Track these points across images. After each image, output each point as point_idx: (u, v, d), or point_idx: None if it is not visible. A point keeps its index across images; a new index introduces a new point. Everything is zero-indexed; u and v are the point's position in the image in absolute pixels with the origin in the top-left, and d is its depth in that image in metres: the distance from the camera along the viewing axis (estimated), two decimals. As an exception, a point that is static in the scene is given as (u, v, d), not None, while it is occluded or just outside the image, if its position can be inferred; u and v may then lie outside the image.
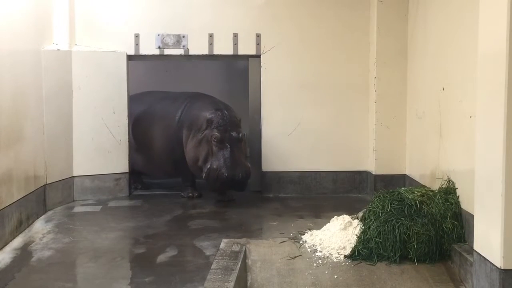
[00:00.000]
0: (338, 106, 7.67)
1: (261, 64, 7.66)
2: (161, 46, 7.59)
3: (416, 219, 5.06)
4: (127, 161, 7.63)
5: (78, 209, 6.97)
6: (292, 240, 5.49)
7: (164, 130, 7.50)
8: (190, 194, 7.44)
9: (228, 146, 6.75)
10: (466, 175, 4.96)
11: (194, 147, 6.99)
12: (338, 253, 5.13)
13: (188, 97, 7.58)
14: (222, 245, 5.30)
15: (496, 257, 3.98)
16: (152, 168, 7.92)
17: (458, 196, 5.25)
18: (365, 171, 7.68)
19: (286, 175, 7.65)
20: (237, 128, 6.96)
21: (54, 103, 6.88)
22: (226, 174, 6.65)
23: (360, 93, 7.63)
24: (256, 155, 7.73)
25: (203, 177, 6.85)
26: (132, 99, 7.83)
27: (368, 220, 5.21)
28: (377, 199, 5.33)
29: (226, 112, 6.98)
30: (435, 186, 5.68)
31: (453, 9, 5.54)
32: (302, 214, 6.55)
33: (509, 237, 3.89)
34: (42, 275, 4.79)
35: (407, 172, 7.27)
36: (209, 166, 6.75)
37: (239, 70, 9.15)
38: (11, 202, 5.58)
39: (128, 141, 7.61)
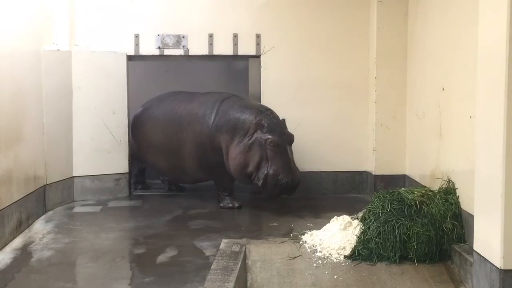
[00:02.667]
0: (338, 106, 7.67)
1: (261, 65, 7.66)
2: (161, 47, 7.59)
3: (416, 220, 5.06)
4: (127, 162, 7.63)
5: (78, 209, 6.97)
6: (292, 240, 5.49)
7: (194, 135, 6.96)
8: (231, 205, 6.91)
9: (284, 149, 6.48)
10: (466, 175, 4.96)
11: (242, 152, 6.49)
12: (338, 253, 5.13)
13: (219, 100, 7.00)
14: (222, 245, 5.30)
15: (496, 257, 3.98)
16: (179, 174, 7.44)
17: (458, 197, 5.25)
18: (365, 171, 7.68)
19: (286, 175, 7.63)
20: (286, 130, 6.67)
21: (54, 104, 6.87)
22: (287, 179, 6.36)
23: (360, 93, 7.64)
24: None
25: (260, 184, 6.42)
26: (152, 101, 7.75)
27: (368, 220, 5.21)
28: (377, 199, 5.33)
29: (272, 114, 6.68)
30: (435, 187, 5.68)
31: (453, 9, 5.54)
32: (302, 214, 6.55)
33: (509, 237, 3.89)
34: (42, 275, 4.79)
35: (407, 173, 7.26)
36: (266, 172, 6.35)
37: (239, 70, 9.15)
38: (11, 203, 5.58)
39: (128, 142, 7.62)
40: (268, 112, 6.66)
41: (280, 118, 6.72)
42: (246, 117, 6.61)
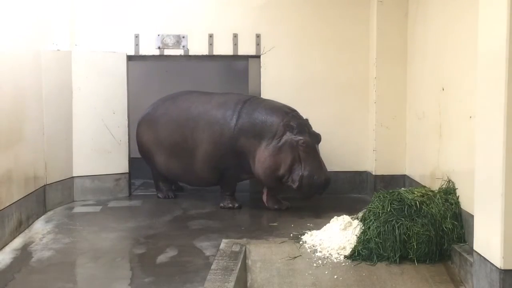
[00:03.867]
0: (338, 106, 7.67)
1: (261, 65, 7.66)
2: (161, 47, 7.59)
3: (416, 220, 5.06)
4: (127, 162, 7.63)
5: (78, 209, 6.97)
6: (292, 240, 5.49)
7: (213, 136, 6.80)
8: (231, 205, 6.90)
9: (314, 149, 6.47)
10: (466, 175, 4.96)
11: (272, 155, 6.40)
12: (338, 253, 5.14)
13: (240, 102, 6.85)
14: (222, 246, 5.30)
15: (496, 257, 3.98)
16: (190, 176, 7.20)
17: (458, 197, 5.25)
18: (365, 171, 7.68)
19: (286, 175, 7.63)
20: (312, 129, 6.62)
21: (54, 104, 6.87)
22: (321, 179, 6.35)
23: (360, 94, 7.64)
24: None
25: (295, 186, 6.37)
26: (162, 101, 7.53)
27: (368, 220, 5.21)
28: (377, 200, 5.34)
29: (298, 114, 6.64)
30: (435, 187, 5.68)
31: (453, 9, 5.54)
32: (302, 214, 6.55)
33: (509, 237, 3.89)
34: (42, 275, 4.79)
35: (407, 173, 7.26)
36: (301, 173, 6.31)
37: (239, 70, 9.15)
38: (11, 203, 5.58)
39: (128, 142, 7.63)
40: (294, 113, 6.63)
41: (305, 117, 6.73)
42: (274, 120, 6.53)
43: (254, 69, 7.73)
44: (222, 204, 6.96)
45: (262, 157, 6.48)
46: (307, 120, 6.67)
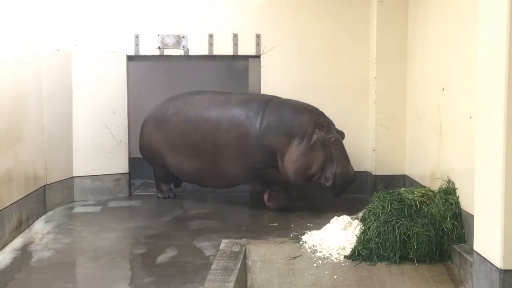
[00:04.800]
0: (338, 106, 7.65)
1: (261, 65, 7.66)
2: (161, 47, 7.59)
3: (416, 220, 5.06)
4: (127, 162, 7.63)
5: (78, 209, 6.97)
6: (292, 240, 5.49)
7: (238, 137, 6.69)
8: (277, 207, 6.78)
9: (343, 146, 6.56)
10: (466, 176, 4.96)
11: (305, 154, 6.39)
12: (338, 253, 5.14)
13: (262, 102, 6.81)
14: (222, 246, 5.30)
15: (496, 258, 3.97)
16: (209, 177, 7.06)
17: (458, 197, 5.25)
18: (365, 171, 7.68)
19: (286, 175, 7.63)
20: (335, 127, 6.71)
21: (54, 104, 6.87)
22: (353, 176, 6.50)
23: (360, 94, 7.64)
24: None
25: (329, 184, 6.39)
26: (172, 101, 7.34)
27: (368, 220, 5.21)
28: (377, 200, 5.34)
29: (323, 113, 6.67)
30: (435, 187, 5.68)
31: (453, 9, 5.54)
32: (302, 214, 6.55)
33: (509, 237, 3.89)
34: (42, 275, 4.79)
35: (407, 173, 7.26)
36: (334, 171, 6.36)
37: (239, 70, 9.15)
38: (11, 203, 5.58)
39: (128, 142, 7.63)
40: (319, 111, 6.68)
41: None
42: (303, 118, 6.54)
43: (254, 69, 7.73)
44: (269, 204, 6.83)
45: (294, 155, 6.46)
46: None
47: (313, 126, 6.45)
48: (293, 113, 6.62)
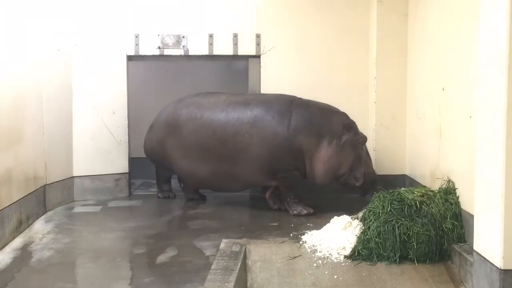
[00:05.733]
0: (338, 106, 7.61)
1: (261, 65, 7.66)
2: (161, 47, 7.59)
3: (416, 219, 5.06)
4: (127, 162, 7.63)
5: (78, 209, 6.97)
6: (292, 240, 5.49)
7: (264, 138, 6.53)
8: (305, 212, 6.58)
9: (366, 147, 6.69)
10: (466, 175, 4.96)
11: (335, 154, 6.44)
12: (338, 253, 5.14)
13: (287, 103, 6.70)
14: (222, 245, 5.30)
15: (496, 257, 3.98)
16: (225, 180, 6.86)
17: (458, 196, 5.25)
18: (365, 171, 7.67)
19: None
20: None
21: (54, 104, 6.87)
22: (377, 176, 6.71)
23: (360, 94, 7.63)
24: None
25: (359, 184, 6.50)
26: (177, 104, 7.09)
27: (368, 220, 5.21)
28: (377, 199, 5.34)
29: (346, 113, 6.75)
30: (435, 186, 5.68)
31: (453, 9, 5.54)
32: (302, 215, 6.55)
33: (509, 237, 3.89)
34: (42, 275, 4.79)
35: (407, 172, 7.27)
36: (363, 171, 6.51)
37: (239, 70, 9.15)
38: (11, 203, 5.58)
39: (128, 142, 7.62)
40: (343, 112, 6.74)
41: None
42: (332, 120, 6.59)
43: (254, 69, 7.73)
44: (295, 212, 6.61)
45: (325, 156, 6.48)
46: None
47: (343, 127, 6.53)
48: (321, 114, 6.65)
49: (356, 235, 5.21)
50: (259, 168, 6.64)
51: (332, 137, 6.49)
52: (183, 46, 7.61)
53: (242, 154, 6.62)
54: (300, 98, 6.88)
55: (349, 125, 6.55)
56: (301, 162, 6.57)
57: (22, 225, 5.89)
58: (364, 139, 6.60)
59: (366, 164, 6.59)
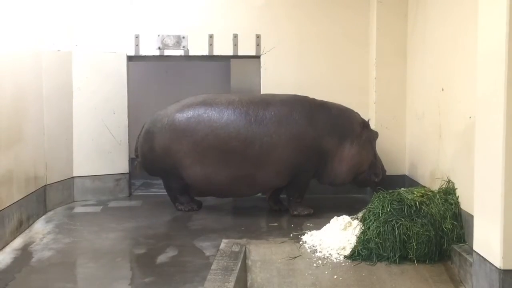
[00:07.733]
0: (338, 106, 7.67)
1: (261, 65, 7.66)
2: (161, 47, 7.60)
3: (415, 220, 5.07)
4: (127, 162, 7.64)
5: (78, 209, 6.98)
6: (292, 240, 5.50)
7: (291, 140, 6.39)
8: (306, 212, 6.57)
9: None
10: (466, 176, 4.96)
11: (359, 152, 6.58)
12: (338, 253, 5.14)
13: (304, 102, 6.65)
14: (222, 246, 5.31)
15: (496, 258, 3.98)
16: (243, 184, 6.59)
17: (458, 197, 5.25)
18: (365, 171, 7.68)
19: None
20: None
21: (54, 104, 6.88)
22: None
23: (360, 94, 7.64)
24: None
25: (377, 179, 6.66)
26: (181, 107, 6.63)
27: (368, 220, 5.21)
28: (377, 200, 5.34)
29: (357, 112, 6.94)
30: (435, 187, 5.69)
31: (452, 9, 5.54)
32: (302, 215, 6.55)
33: (508, 237, 3.90)
34: (42, 275, 4.79)
35: (406, 173, 7.27)
36: (380, 166, 6.81)
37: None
38: (12, 203, 5.59)
39: (128, 142, 7.63)
40: (354, 111, 6.88)
41: None
42: (351, 119, 6.70)
43: (254, 69, 7.73)
44: (296, 212, 6.56)
45: (349, 155, 6.61)
46: None
47: (361, 126, 6.68)
48: (340, 113, 6.73)
49: (356, 235, 5.21)
50: (283, 169, 6.49)
51: (353, 136, 6.61)
52: (183, 47, 7.61)
53: (268, 155, 6.40)
54: (314, 99, 6.85)
55: (367, 124, 6.73)
56: (323, 162, 6.60)
57: (22, 225, 5.89)
58: (377, 134, 6.82)
59: (379, 160, 6.82)
